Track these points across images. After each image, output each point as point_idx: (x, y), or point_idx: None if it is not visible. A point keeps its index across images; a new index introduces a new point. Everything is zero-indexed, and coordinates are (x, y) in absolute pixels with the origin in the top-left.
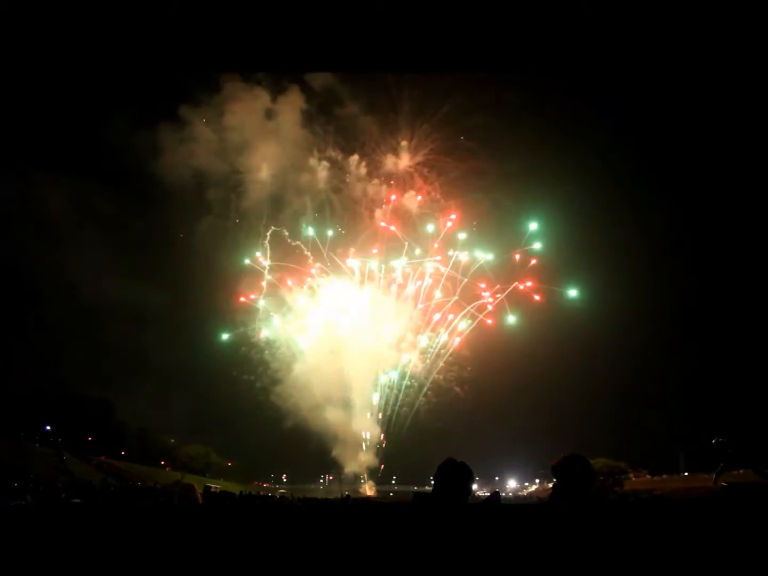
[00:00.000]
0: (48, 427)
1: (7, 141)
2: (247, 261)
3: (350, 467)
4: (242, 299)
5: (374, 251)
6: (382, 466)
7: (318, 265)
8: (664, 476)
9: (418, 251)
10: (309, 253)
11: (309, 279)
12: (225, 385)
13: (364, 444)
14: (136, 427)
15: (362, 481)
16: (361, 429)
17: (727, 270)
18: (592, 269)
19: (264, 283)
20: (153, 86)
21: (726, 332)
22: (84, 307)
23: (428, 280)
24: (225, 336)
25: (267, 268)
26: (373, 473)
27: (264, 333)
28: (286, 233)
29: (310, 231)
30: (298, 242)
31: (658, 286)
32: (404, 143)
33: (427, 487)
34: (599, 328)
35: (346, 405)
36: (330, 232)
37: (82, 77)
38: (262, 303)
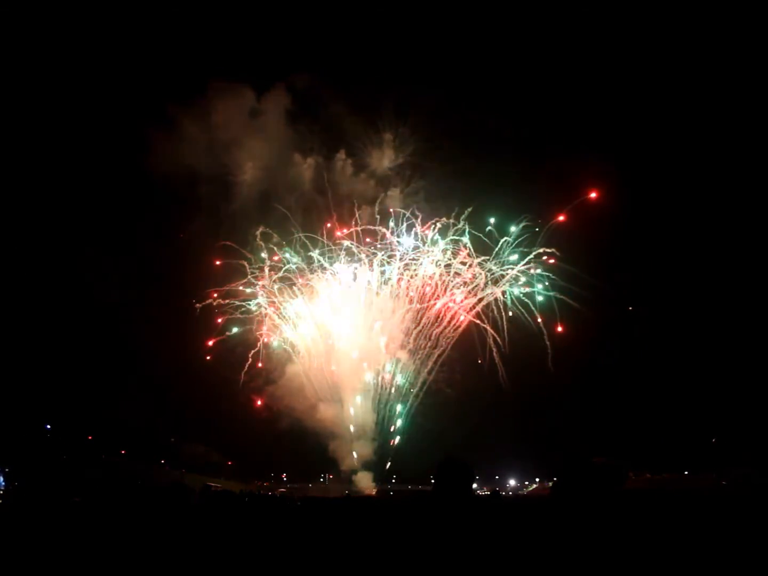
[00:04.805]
0: (48, 426)
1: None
2: (240, 262)
3: (347, 464)
4: (237, 301)
5: (361, 249)
6: (388, 464)
7: (308, 264)
8: (665, 476)
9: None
10: (299, 256)
11: (299, 278)
12: (224, 384)
13: (359, 438)
14: (135, 425)
15: (361, 471)
16: (356, 424)
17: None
18: (592, 267)
19: (257, 287)
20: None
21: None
22: (80, 306)
23: (419, 279)
24: (234, 330)
25: (265, 268)
26: (368, 467)
27: (259, 334)
28: (276, 237)
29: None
30: (287, 249)
31: (662, 279)
32: (388, 136)
33: (423, 486)
34: (598, 325)
35: (340, 402)
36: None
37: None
38: (256, 303)
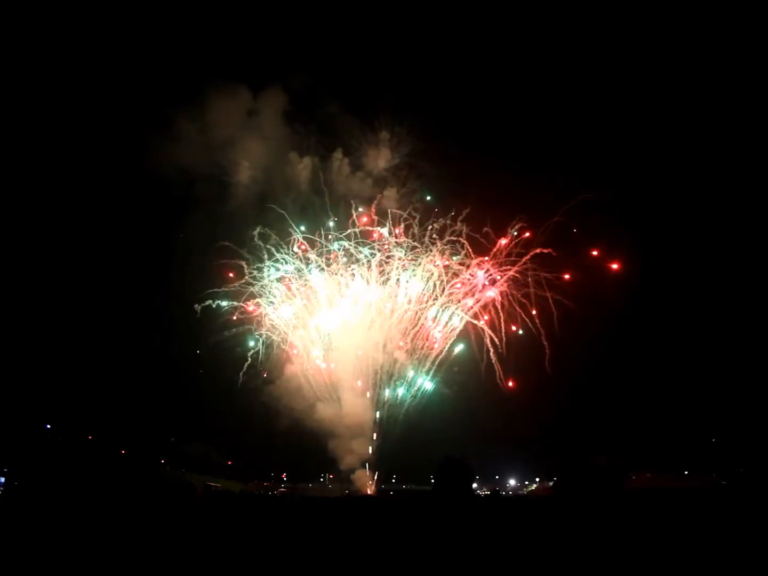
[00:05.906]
0: (48, 426)
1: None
2: (238, 262)
3: (347, 463)
4: (236, 302)
5: (359, 250)
6: (377, 454)
7: (306, 264)
8: (665, 475)
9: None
10: (297, 256)
11: (297, 278)
12: (222, 384)
13: (358, 437)
14: (135, 425)
15: (360, 470)
16: (355, 422)
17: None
18: (591, 267)
19: (255, 287)
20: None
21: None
22: (80, 306)
23: (418, 278)
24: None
25: (264, 269)
26: (368, 465)
27: (259, 334)
28: (273, 237)
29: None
30: (284, 252)
31: (662, 279)
32: (385, 135)
33: (423, 486)
34: (598, 324)
35: (339, 401)
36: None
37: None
38: (255, 303)
